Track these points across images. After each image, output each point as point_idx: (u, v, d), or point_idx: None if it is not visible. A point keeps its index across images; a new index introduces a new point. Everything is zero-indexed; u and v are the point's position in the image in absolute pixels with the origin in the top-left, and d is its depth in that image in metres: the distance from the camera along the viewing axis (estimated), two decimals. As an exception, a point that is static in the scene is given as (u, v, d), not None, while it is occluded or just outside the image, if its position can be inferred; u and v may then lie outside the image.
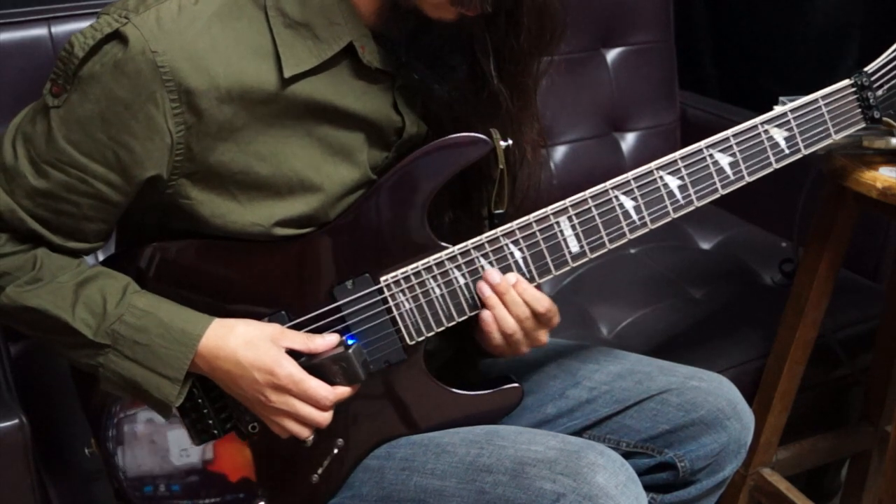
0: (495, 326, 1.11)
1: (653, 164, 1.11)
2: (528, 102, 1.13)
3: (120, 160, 1.01)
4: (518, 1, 1.03)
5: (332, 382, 1.07)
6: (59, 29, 1.55)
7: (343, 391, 1.07)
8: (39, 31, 1.54)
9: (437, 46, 1.08)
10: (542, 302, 1.12)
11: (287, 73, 1.02)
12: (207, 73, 0.99)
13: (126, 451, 1.15)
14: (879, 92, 1.18)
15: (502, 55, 1.07)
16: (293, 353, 1.06)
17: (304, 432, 1.08)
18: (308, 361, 1.06)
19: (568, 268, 1.13)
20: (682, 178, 1.12)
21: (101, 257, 1.16)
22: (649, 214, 1.12)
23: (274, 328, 1.08)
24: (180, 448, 1.14)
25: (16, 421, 1.15)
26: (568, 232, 1.11)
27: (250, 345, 1.05)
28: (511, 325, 1.10)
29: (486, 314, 1.11)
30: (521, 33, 1.05)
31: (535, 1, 1.04)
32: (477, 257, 1.11)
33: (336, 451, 1.16)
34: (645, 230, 1.13)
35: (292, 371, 1.05)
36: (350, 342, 1.09)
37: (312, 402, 1.06)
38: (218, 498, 1.16)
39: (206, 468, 1.15)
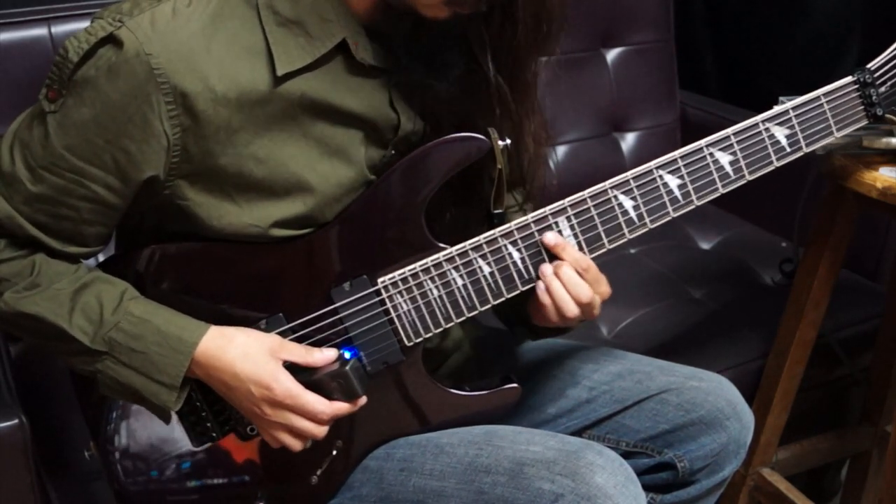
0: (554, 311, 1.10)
1: (652, 164, 1.11)
2: (528, 97, 1.12)
3: (117, 163, 1.01)
4: None
5: (330, 398, 1.06)
6: (59, 29, 1.55)
7: (341, 406, 1.07)
8: (39, 31, 1.54)
9: (434, 44, 1.07)
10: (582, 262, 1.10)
11: (280, 72, 1.02)
12: (202, 75, 0.99)
13: (125, 452, 1.14)
14: (882, 89, 1.16)
15: (499, 50, 1.06)
16: (292, 366, 1.06)
17: (298, 445, 1.08)
18: (306, 378, 1.06)
19: (567, 268, 1.12)
20: (681, 177, 1.11)
21: (100, 258, 1.16)
22: (648, 214, 1.11)
23: (273, 340, 1.07)
24: (180, 449, 1.14)
25: (16, 421, 1.15)
26: (567, 232, 1.10)
27: (248, 358, 1.04)
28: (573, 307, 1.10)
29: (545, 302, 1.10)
30: (518, 28, 1.04)
31: None
32: (475, 258, 1.10)
33: (335, 451, 1.16)
34: (644, 230, 1.12)
35: (289, 386, 1.04)
36: (347, 355, 1.08)
37: (309, 416, 1.06)
38: (218, 497, 1.16)
39: (207, 469, 1.15)
